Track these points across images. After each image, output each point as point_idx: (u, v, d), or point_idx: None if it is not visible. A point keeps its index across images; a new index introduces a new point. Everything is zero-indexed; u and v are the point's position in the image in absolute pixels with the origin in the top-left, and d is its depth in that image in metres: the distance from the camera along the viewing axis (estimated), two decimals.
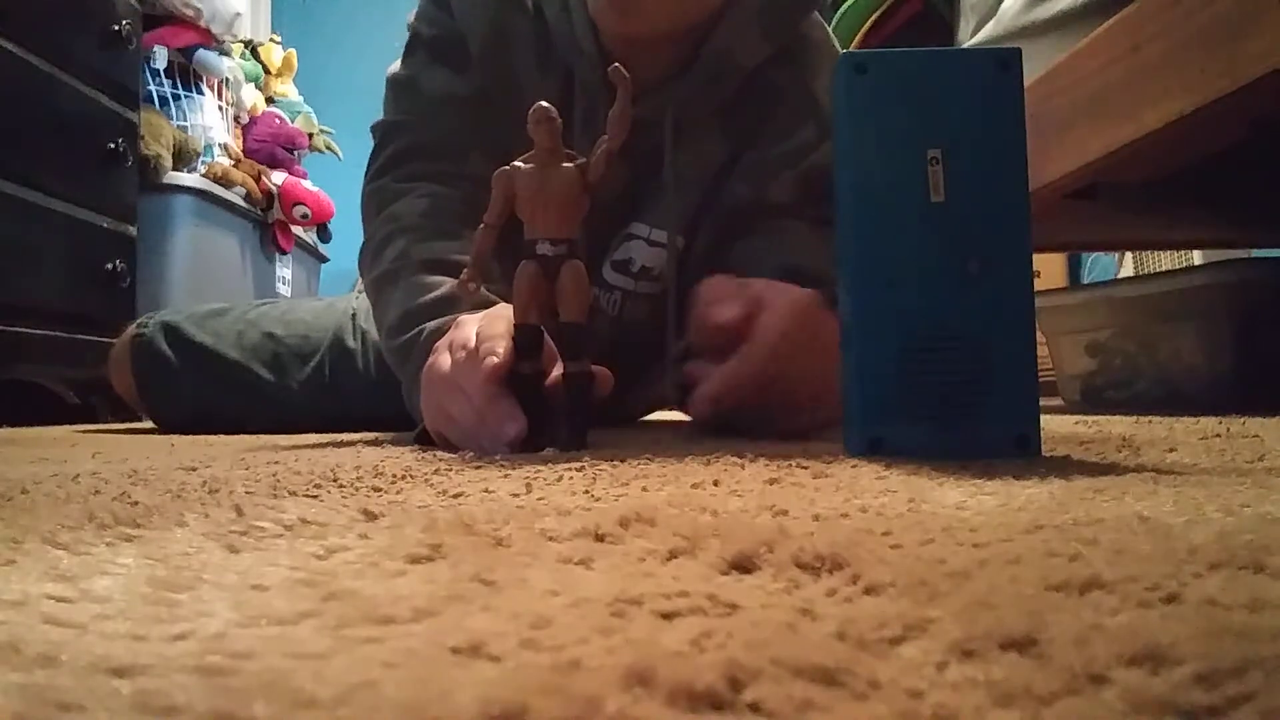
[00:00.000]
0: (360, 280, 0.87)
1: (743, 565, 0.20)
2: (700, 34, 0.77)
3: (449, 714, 0.11)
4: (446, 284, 0.70)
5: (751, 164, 0.80)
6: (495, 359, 0.53)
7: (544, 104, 0.53)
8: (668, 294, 0.81)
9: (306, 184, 2.47)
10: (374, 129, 0.86)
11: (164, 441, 0.85)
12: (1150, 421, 0.80)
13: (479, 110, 0.80)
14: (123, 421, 1.53)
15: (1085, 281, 2.49)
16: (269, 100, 2.56)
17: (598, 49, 0.75)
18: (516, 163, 0.55)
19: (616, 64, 0.54)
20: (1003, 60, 0.45)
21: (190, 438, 0.92)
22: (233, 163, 2.25)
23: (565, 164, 0.55)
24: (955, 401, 0.44)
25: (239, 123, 2.43)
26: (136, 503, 0.32)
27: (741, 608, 0.17)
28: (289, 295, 2.47)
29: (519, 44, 0.79)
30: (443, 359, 0.58)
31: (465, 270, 0.57)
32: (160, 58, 2.08)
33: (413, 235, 0.75)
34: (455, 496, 0.33)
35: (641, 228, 0.83)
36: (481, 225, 0.56)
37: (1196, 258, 2.02)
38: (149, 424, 1.24)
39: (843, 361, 0.47)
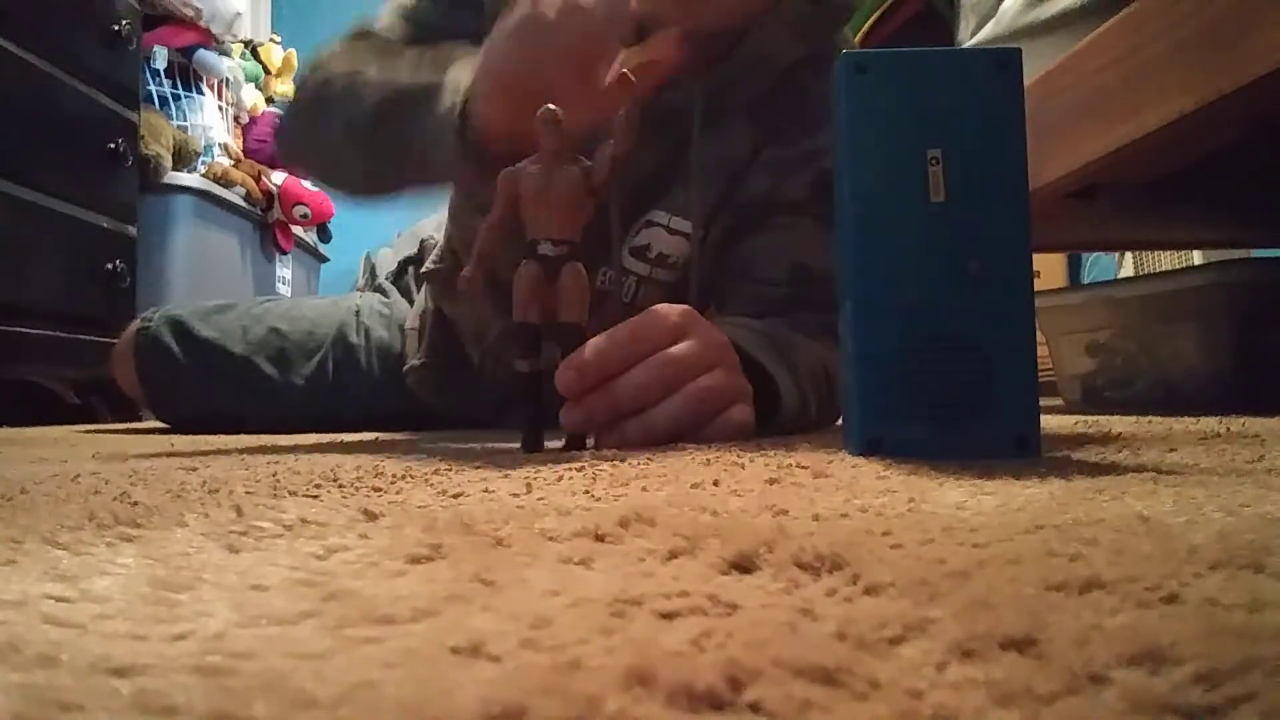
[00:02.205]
0: (359, 277, 0.88)
1: (743, 565, 0.20)
2: (738, 31, 0.78)
3: (449, 714, 0.11)
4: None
5: (771, 159, 0.81)
6: None
7: (551, 106, 0.53)
8: (689, 284, 0.82)
9: (306, 184, 2.47)
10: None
11: (164, 441, 0.85)
12: (1150, 421, 0.80)
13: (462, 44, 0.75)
14: (123, 421, 1.53)
15: (1085, 281, 2.49)
16: (269, 100, 2.56)
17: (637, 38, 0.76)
18: (522, 164, 0.56)
19: (625, 70, 0.54)
20: (1002, 60, 0.45)
21: (190, 438, 0.92)
22: (233, 163, 2.25)
23: (570, 166, 0.55)
24: (955, 401, 0.44)
25: (239, 123, 2.43)
26: (136, 503, 0.32)
27: (741, 608, 0.17)
28: (289, 295, 2.47)
29: None
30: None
31: (467, 268, 0.57)
32: (160, 58, 2.08)
33: (362, 65, 0.72)
34: (455, 496, 0.33)
35: (662, 215, 0.83)
36: (485, 225, 0.56)
37: (1196, 258, 2.02)
38: (149, 424, 1.24)
39: (843, 361, 0.47)
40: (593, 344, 0.53)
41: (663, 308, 0.58)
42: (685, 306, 0.59)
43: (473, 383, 0.99)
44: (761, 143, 0.82)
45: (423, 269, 1.02)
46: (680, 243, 0.83)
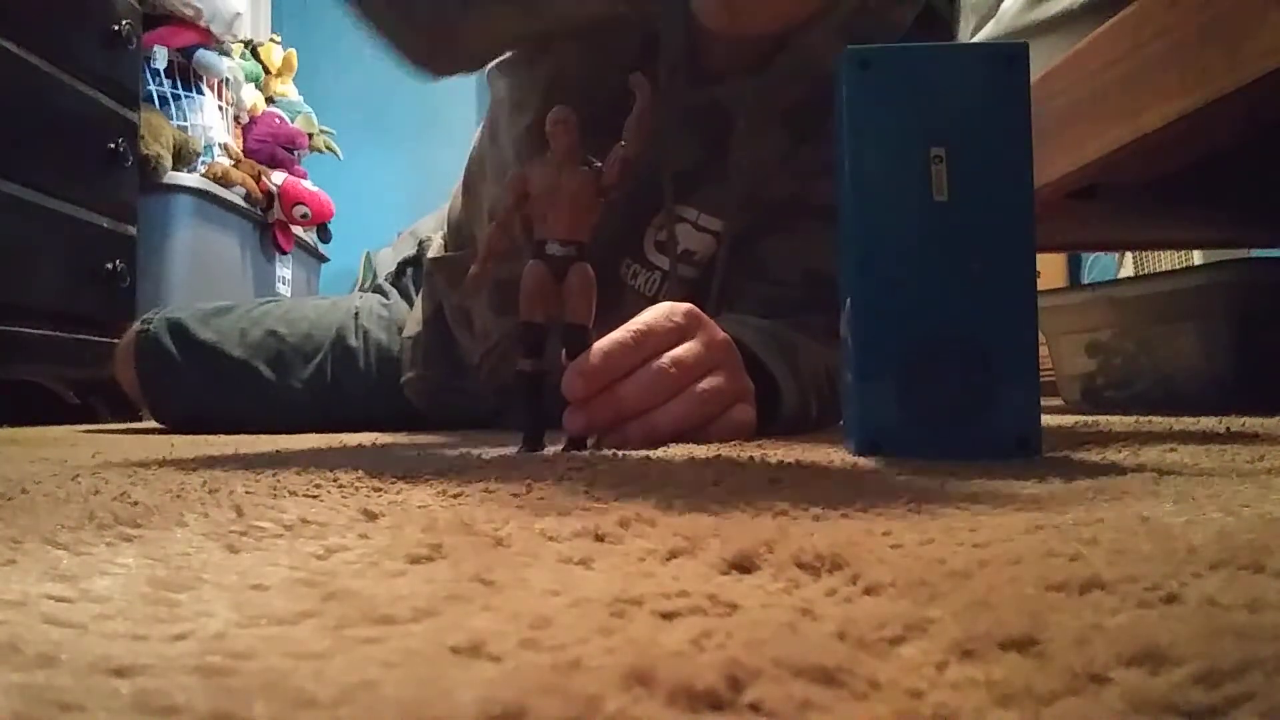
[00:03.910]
0: (360, 277, 0.87)
1: (743, 565, 0.20)
2: (785, 34, 0.77)
3: (449, 714, 0.11)
4: None
5: (804, 160, 0.81)
6: None
7: (562, 107, 0.54)
8: (711, 281, 0.82)
9: (306, 184, 2.47)
10: None
11: (164, 441, 0.85)
12: (1150, 421, 0.80)
13: None
14: (123, 421, 1.53)
15: (1085, 281, 2.49)
16: (269, 100, 2.56)
17: (687, 29, 0.76)
18: (531, 162, 0.56)
19: (638, 72, 0.54)
20: (1009, 55, 0.45)
21: (190, 438, 0.92)
22: (233, 163, 2.25)
23: (581, 167, 0.55)
24: (956, 402, 0.44)
25: (239, 123, 2.43)
26: (136, 503, 0.32)
27: (741, 608, 0.17)
28: (289, 295, 2.47)
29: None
30: None
31: (475, 264, 0.57)
32: (160, 58, 2.08)
33: None
34: (455, 496, 0.33)
35: (690, 211, 0.83)
36: (493, 223, 0.56)
37: (1196, 258, 2.02)
38: (149, 424, 1.24)
39: (843, 361, 0.47)
40: (598, 348, 0.53)
41: (666, 307, 0.58)
42: (689, 305, 0.59)
43: (470, 390, 0.99)
44: (797, 144, 0.81)
45: (430, 256, 1.01)
46: (707, 240, 0.83)
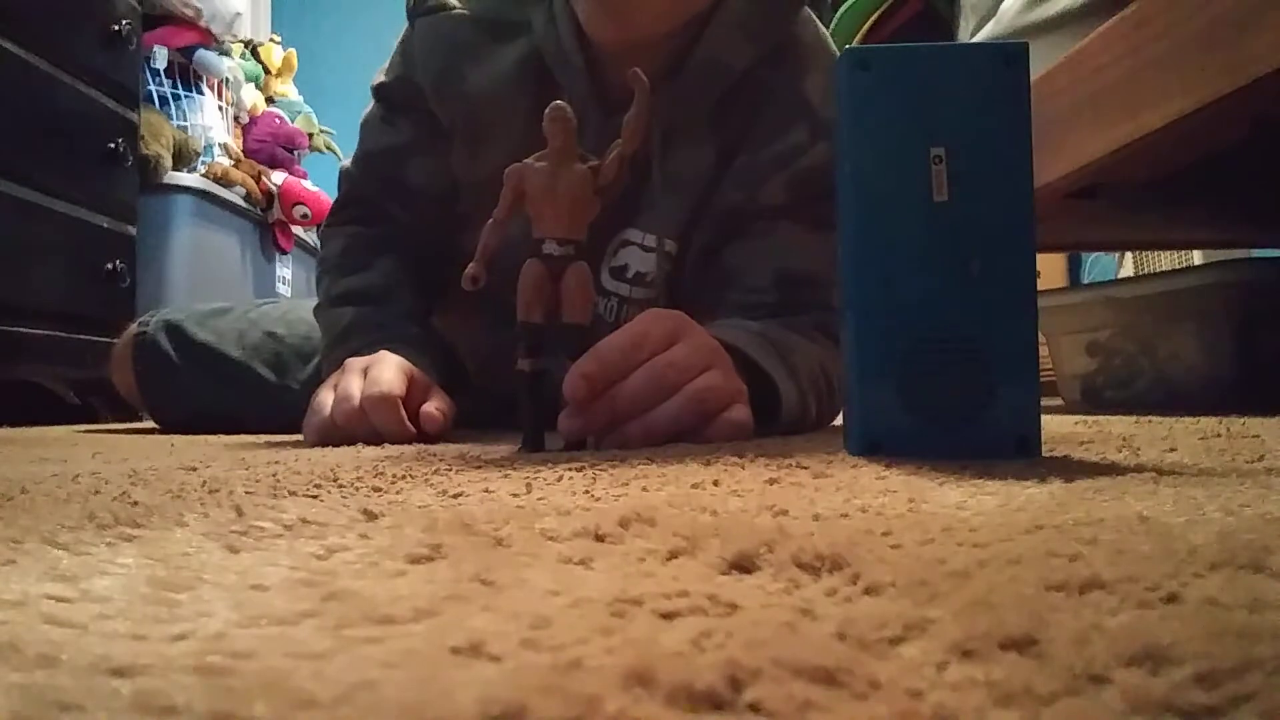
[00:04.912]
0: None
1: (743, 565, 0.20)
2: (687, 39, 0.77)
3: (449, 714, 0.11)
4: (349, 314, 0.85)
5: (742, 167, 0.80)
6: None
7: (559, 103, 0.53)
8: (659, 299, 0.81)
9: (306, 184, 2.47)
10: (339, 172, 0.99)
11: (164, 441, 0.85)
12: (1150, 421, 0.80)
13: (413, 154, 0.90)
14: (123, 421, 1.53)
15: (1085, 281, 2.49)
16: (269, 100, 2.56)
17: (585, 61, 0.76)
18: (529, 160, 0.55)
19: (636, 69, 0.54)
20: (1009, 55, 0.45)
21: (190, 438, 0.92)
22: (233, 163, 2.25)
23: (577, 165, 0.54)
24: (955, 402, 0.44)
25: (239, 123, 2.43)
26: (136, 503, 0.31)
27: (741, 608, 0.17)
28: (289, 295, 2.47)
29: (486, 72, 0.81)
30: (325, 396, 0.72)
31: (472, 264, 0.57)
32: (160, 58, 2.08)
33: (331, 274, 0.91)
34: (455, 496, 0.33)
35: (635, 233, 0.83)
36: (490, 220, 0.56)
37: (1196, 258, 2.02)
38: (149, 424, 1.24)
39: (843, 361, 0.47)
40: (598, 351, 0.54)
41: (656, 313, 0.58)
42: (678, 311, 0.59)
43: (469, 392, 0.99)
44: (729, 150, 0.81)
45: None
46: (655, 259, 0.83)
